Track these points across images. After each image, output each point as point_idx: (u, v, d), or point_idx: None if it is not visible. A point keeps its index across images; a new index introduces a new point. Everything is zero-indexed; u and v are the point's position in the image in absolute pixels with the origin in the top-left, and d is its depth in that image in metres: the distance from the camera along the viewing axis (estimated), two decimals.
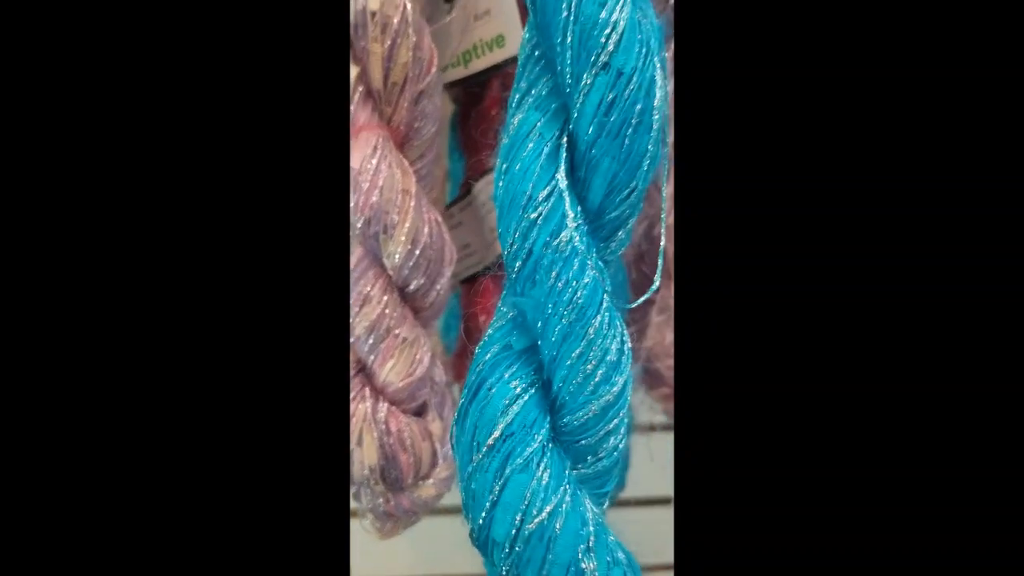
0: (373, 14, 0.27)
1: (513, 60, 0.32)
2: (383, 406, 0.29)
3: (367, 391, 0.29)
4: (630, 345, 0.22)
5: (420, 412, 0.31)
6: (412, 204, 0.28)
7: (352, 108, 0.28)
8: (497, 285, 0.40)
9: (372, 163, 0.27)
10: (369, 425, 0.29)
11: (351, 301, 0.30)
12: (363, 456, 0.29)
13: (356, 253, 0.30)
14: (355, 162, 0.28)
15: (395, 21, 0.27)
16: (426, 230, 0.29)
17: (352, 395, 0.29)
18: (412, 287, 0.30)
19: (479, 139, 0.39)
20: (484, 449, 0.21)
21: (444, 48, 0.29)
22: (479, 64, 0.32)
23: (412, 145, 0.29)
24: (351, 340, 0.30)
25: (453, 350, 0.41)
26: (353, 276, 0.29)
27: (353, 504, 0.34)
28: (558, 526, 0.20)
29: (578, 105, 0.20)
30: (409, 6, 0.27)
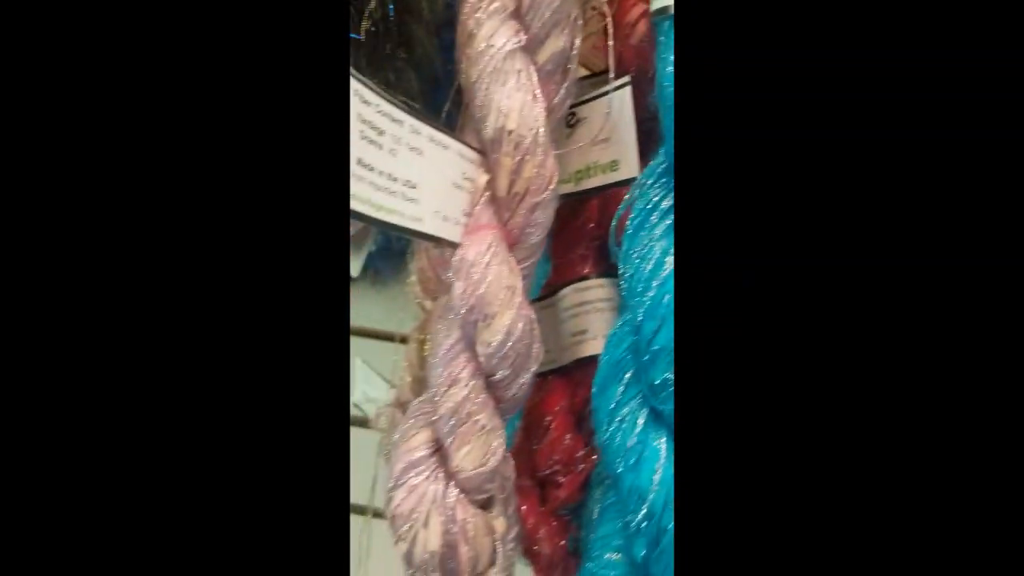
0: (510, 132, 0.30)
1: (622, 183, 0.35)
2: (453, 491, 0.29)
3: (440, 473, 0.30)
4: None
5: (486, 506, 0.31)
6: (513, 299, 0.30)
7: (476, 208, 0.31)
8: (565, 386, 0.41)
9: (485, 259, 0.30)
10: (438, 508, 0.29)
11: (439, 381, 0.31)
12: (426, 538, 0.29)
13: (452, 336, 0.31)
14: (470, 254, 0.30)
15: (527, 140, 0.30)
16: (520, 325, 0.31)
17: (425, 474, 0.30)
18: (498, 376, 0.31)
19: (570, 250, 0.42)
20: None
21: (563, 166, 0.32)
22: (588, 183, 0.36)
23: (521, 247, 0.32)
24: (433, 419, 0.31)
25: (511, 445, 0.42)
26: (446, 357, 0.31)
27: None
28: None
29: None
30: (542, 129, 0.30)
